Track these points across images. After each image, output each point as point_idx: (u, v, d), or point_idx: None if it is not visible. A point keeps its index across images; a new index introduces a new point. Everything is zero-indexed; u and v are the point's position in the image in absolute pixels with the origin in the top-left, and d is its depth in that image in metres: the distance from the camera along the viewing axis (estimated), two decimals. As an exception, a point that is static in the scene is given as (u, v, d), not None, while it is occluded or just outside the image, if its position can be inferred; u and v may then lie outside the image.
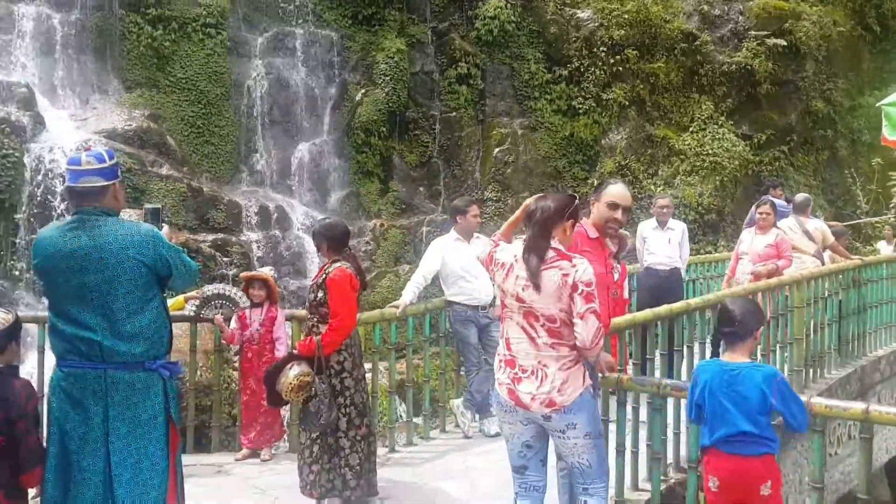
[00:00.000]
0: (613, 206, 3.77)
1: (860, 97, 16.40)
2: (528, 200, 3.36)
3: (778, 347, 5.82)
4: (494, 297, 5.90)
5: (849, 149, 15.98)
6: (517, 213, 3.44)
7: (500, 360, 3.21)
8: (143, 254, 3.12)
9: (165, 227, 3.49)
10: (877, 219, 14.63)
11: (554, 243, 3.19)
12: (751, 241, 7.04)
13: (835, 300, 6.67)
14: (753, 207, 9.59)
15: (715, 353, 3.39)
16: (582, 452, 3.21)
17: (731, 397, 3.17)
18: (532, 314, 3.14)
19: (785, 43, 14.78)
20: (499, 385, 3.22)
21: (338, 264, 4.28)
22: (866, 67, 16.74)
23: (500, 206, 14.00)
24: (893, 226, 13.45)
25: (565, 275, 3.08)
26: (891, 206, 14.68)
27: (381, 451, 5.36)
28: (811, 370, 6.37)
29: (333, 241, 4.33)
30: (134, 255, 3.10)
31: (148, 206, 3.55)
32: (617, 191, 3.82)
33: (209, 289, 7.11)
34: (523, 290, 3.12)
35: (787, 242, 6.85)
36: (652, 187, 14.41)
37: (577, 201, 3.34)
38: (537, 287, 3.09)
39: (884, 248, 12.05)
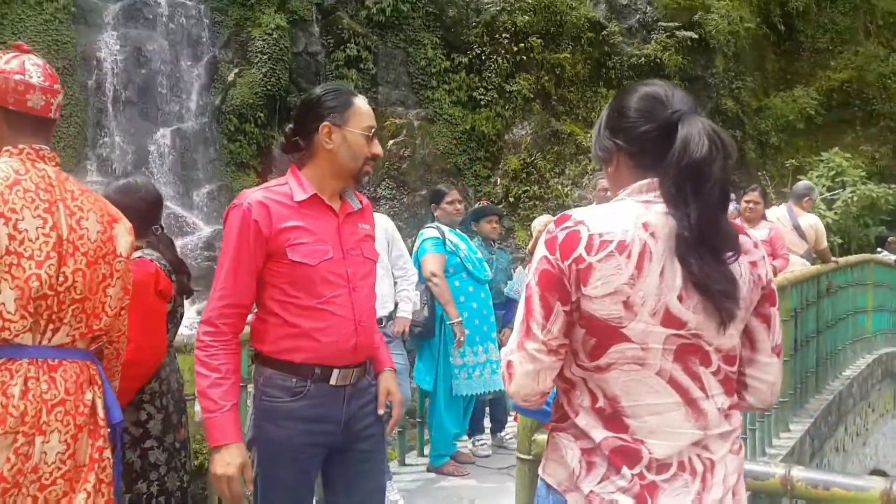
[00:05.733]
0: (370, 131, 2.20)
1: (766, 98, 15.90)
2: None
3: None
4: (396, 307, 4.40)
5: (757, 150, 15.40)
6: None
7: (598, 455, 1.46)
8: None
9: None
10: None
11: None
12: (737, 238, 5.74)
13: (813, 311, 5.49)
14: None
15: None
16: None
17: None
18: (698, 350, 1.46)
19: (695, 36, 13.99)
20: None
21: (137, 254, 2.52)
22: (771, 68, 16.28)
23: (395, 204, 12.43)
24: None
25: (753, 264, 1.52)
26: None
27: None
28: (794, 402, 5.14)
29: (134, 213, 2.43)
30: None
31: None
32: (365, 107, 2.24)
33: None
34: (681, 300, 1.44)
35: (781, 238, 5.63)
36: (559, 187, 13.23)
37: None
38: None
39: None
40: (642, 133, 1.49)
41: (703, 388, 1.46)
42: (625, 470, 1.42)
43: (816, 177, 14.10)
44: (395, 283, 4.39)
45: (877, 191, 13.95)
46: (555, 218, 1.50)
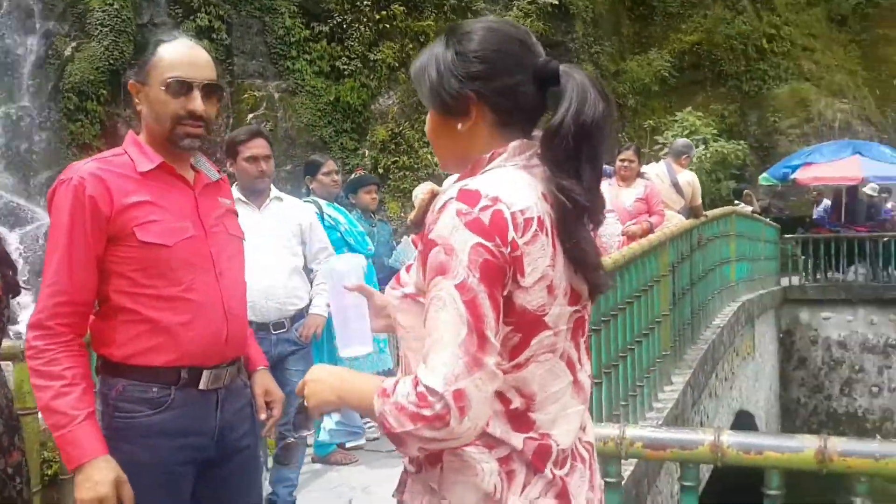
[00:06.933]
0: (182, 85, 1.80)
1: (622, 62, 16.33)
2: None
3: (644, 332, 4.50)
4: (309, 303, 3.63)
5: (616, 113, 15.80)
6: None
7: (516, 461, 1.23)
8: None
9: None
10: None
11: None
12: (615, 196, 5.74)
13: (687, 264, 5.60)
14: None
15: None
16: None
17: None
18: (583, 322, 1.33)
19: (555, 1, 14.09)
20: None
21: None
22: (626, 32, 16.74)
23: (260, 181, 11.84)
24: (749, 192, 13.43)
25: None
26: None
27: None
28: (674, 354, 5.21)
29: None
30: None
31: None
32: (176, 53, 1.82)
33: None
34: (574, 272, 1.28)
35: (657, 194, 5.68)
36: (429, 156, 13.05)
37: None
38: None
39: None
40: (515, 84, 1.27)
41: (580, 360, 1.31)
42: (546, 470, 1.23)
43: (672, 136, 14.66)
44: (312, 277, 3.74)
45: (727, 147, 14.69)
46: (454, 195, 1.19)
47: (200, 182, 1.92)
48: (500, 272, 1.15)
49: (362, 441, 4.77)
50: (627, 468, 3.34)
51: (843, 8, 19.30)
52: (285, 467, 3.56)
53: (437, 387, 1.10)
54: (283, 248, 3.54)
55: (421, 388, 1.11)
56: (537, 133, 1.30)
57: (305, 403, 1.34)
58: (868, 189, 12.92)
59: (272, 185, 3.62)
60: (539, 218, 1.19)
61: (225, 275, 1.88)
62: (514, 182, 1.22)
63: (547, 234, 1.20)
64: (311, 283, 3.69)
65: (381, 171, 12.83)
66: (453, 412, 1.10)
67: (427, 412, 1.10)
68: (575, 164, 1.22)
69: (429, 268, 1.16)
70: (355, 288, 1.47)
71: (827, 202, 13.27)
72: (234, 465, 1.94)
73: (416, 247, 1.29)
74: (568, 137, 1.21)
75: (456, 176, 1.36)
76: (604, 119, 1.23)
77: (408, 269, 1.29)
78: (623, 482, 2.17)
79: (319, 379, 1.32)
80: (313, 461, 4.46)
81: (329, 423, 4.05)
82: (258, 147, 3.42)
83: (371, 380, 1.28)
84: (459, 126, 1.28)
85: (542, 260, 1.19)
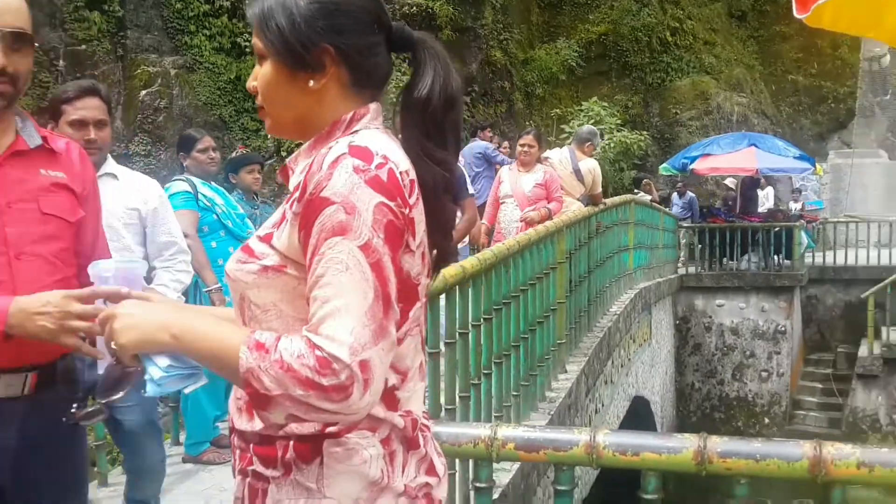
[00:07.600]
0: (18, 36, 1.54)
1: (531, 50, 16.38)
2: None
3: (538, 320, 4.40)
4: None
5: (524, 101, 15.85)
6: None
7: (395, 441, 1.17)
8: None
9: None
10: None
11: None
12: (515, 181, 5.63)
13: (585, 252, 5.57)
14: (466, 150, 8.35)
15: None
16: None
17: None
18: (428, 297, 1.33)
19: (464, -14, 13.96)
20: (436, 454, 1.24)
21: None
22: (536, 20, 16.79)
23: (151, 161, 11.25)
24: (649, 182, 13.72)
25: None
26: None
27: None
28: (570, 342, 5.17)
29: None
30: None
31: None
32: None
33: None
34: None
35: (556, 181, 5.61)
36: (334, 139, 12.76)
37: None
38: None
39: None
40: (374, 43, 1.19)
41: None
42: (421, 446, 1.19)
43: (577, 125, 14.82)
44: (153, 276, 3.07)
45: (630, 137, 14.95)
46: (345, 150, 1.07)
47: (13, 149, 1.64)
48: (401, 234, 1.08)
49: (203, 381, 4.34)
50: (516, 463, 3.23)
51: (742, 4, 19.98)
52: (140, 480, 3.03)
53: (343, 356, 0.99)
54: (109, 240, 2.81)
55: (322, 354, 0.99)
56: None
57: (113, 346, 1.13)
58: (728, 182, 13.67)
59: (109, 158, 2.93)
60: (416, 181, 1.15)
61: (25, 260, 1.59)
62: (390, 143, 1.16)
63: (420, 199, 1.15)
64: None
65: (284, 153, 12.43)
66: (357, 384, 1.00)
67: (327, 381, 0.98)
68: (441, 134, 1.19)
69: (320, 228, 1.04)
70: (107, 293, 1.28)
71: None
72: (44, 497, 1.63)
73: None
74: (438, 108, 1.18)
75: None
76: (460, 91, 1.22)
77: (267, 238, 1.13)
78: (494, 486, 2.03)
79: (134, 313, 1.13)
80: (183, 461, 4.11)
81: (157, 371, 3.60)
82: (88, 108, 2.64)
83: (221, 323, 1.13)
84: (311, 83, 1.16)
85: (421, 225, 1.15)
